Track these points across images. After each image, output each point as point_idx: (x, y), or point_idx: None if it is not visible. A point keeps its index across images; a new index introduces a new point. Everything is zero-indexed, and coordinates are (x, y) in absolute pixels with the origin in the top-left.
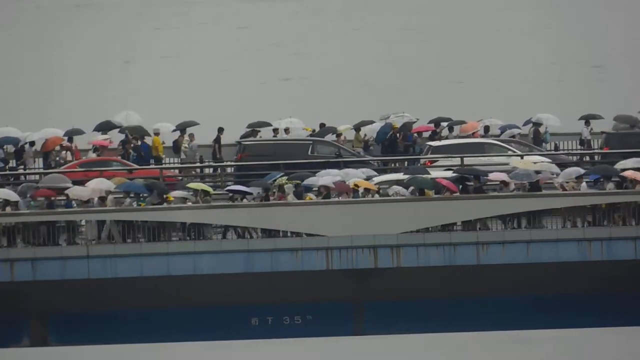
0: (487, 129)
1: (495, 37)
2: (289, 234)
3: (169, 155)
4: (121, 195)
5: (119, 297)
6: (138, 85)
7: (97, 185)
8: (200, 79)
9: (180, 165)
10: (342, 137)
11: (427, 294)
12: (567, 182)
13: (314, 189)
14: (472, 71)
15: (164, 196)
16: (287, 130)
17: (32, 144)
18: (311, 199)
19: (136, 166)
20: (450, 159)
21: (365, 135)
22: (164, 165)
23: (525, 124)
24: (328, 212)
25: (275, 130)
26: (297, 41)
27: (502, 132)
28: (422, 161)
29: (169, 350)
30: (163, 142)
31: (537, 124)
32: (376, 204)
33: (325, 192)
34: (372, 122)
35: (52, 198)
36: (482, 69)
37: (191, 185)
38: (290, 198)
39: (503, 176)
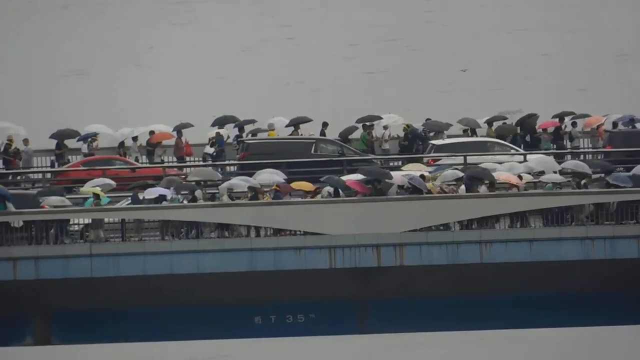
0: (614, 125)
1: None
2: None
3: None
4: None
5: (122, 296)
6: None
7: None
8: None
9: (182, 164)
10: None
11: (431, 293)
12: (447, 185)
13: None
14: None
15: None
16: (385, 127)
17: (134, 138)
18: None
19: (139, 165)
20: (453, 157)
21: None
22: (166, 164)
23: None
24: (331, 211)
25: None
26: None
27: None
28: (425, 160)
29: (172, 349)
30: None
31: None
32: (379, 202)
33: (253, 193)
34: (504, 117)
35: None
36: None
37: (83, 189)
38: (225, 199)
39: (401, 178)
